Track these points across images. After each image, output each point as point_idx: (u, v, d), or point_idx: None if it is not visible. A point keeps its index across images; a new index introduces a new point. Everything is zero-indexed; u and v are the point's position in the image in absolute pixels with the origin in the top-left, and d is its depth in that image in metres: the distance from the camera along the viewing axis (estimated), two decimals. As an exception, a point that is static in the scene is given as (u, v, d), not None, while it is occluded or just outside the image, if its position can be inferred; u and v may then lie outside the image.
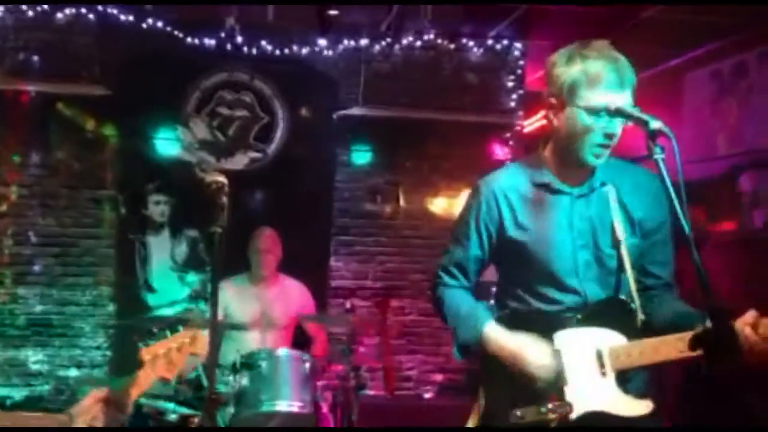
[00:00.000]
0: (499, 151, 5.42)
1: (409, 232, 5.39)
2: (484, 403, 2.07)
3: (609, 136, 1.94)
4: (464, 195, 5.31)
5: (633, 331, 1.95)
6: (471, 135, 5.41)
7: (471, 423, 2.12)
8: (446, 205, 5.41)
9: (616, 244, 2.02)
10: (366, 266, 5.34)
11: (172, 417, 3.28)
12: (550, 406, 1.92)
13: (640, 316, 1.97)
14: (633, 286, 1.99)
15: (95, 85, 4.99)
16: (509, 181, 2.14)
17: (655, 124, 1.73)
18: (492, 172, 2.21)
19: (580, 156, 2.00)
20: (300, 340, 4.36)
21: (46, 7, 4.92)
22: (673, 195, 1.66)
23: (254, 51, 5.14)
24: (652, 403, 1.91)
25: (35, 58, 4.98)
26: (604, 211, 2.04)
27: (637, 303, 1.98)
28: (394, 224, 5.38)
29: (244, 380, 3.26)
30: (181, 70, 5.13)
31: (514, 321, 2.07)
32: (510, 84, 5.47)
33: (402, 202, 5.39)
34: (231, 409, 3.23)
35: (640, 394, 1.93)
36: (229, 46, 5.10)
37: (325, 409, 3.75)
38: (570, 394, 1.93)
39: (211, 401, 2.17)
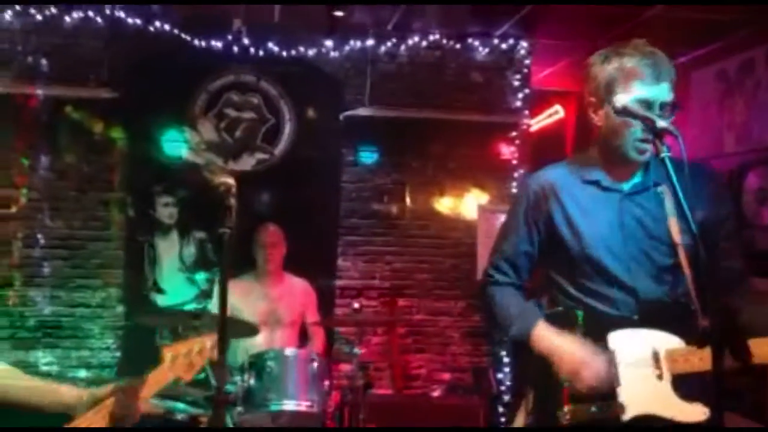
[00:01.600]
0: (506, 151, 5.42)
1: (416, 231, 5.39)
2: (532, 400, 2.06)
3: (647, 130, 1.90)
4: (471, 194, 5.39)
5: (693, 334, 1.89)
6: (477, 134, 5.41)
7: (518, 421, 2.11)
8: (453, 204, 5.41)
9: (672, 243, 1.98)
10: (373, 266, 5.35)
11: (181, 417, 3.29)
12: (601, 406, 1.89)
13: (703, 321, 1.89)
14: (691, 287, 1.93)
15: (103, 88, 5.01)
16: (558, 178, 2.13)
17: (662, 123, 1.73)
18: (541, 169, 2.21)
19: (623, 152, 2.00)
20: (300, 336, 4.39)
21: (54, 10, 4.95)
22: (681, 194, 1.66)
23: (261, 52, 5.15)
24: (708, 410, 1.85)
25: (44, 61, 5.00)
26: (657, 209, 2.02)
27: (697, 305, 1.92)
28: (400, 224, 5.39)
29: (252, 380, 3.27)
30: (188, 72, 5.16)
31: (567, 320, 2.03)
32: (516, 83, 5.46)
33: (408, 201, 5.40)
34: (239, 409, 3.25)
35: (697, 399, 1.88)
36: (235, 48, 5.12)
37: (332, 408, 3.76)
38: (623, 395, 1.90)
39: (220, 401, 2.17)
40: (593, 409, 1.89)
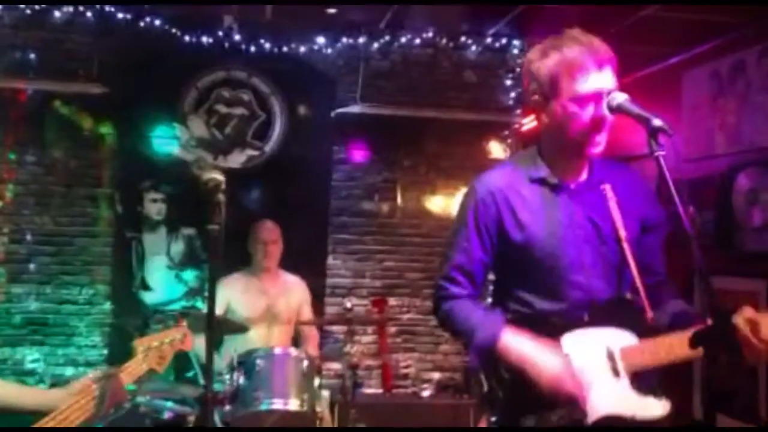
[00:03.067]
0: (497, 150, 5.41)
1: (407, 230, 5.38)
2: (494, 412, 1.98)
3: (600, 120, 1.90)
4: (462, 193, 5.35)
5: (643, 330, 1.91)
6: (469, 133, 5.40)
7: (481, 425, 2.05)
8: (444, 203, 5.40)
9: (617, 240, 1.98)
10: (364, 264, 5.33)
11: (168, 415, 3.27)
12: (562, 413, 1.85)
13: (650, 314, 1.91)
14: (639, 283, 1.94)
15: (92, 84, 4.95)
16: (505, 179, 2.07)
17: (657, 122, 1.72)
18: (486, 171, 2.15)
19: (574, 147, 1.97)
20: (294, 337, 4.36)
21: (43, 5, 4.89)
22: (674, 193, 1.65)
23: (252, 49, 5.12)
24: (668, 403, 1.86)
25: (32, 56, 4.95)
26: (603, 207, 2.01)
27: (644, 300, 1.92)
28: (391, 222, 5.37)
29: (242, 379, 3.25)
30: (178, 68, 5.11)
31: (518, 325, 1.97)
32: (508, 82, 5.46)
33: (400, 200, 5.38)
34: (228, 408, 3.22)
35: (656, 395, 1.88)
36: (226, 44, 5.08)
37: (322, 407, 3.74)
38: (581, 399, 1.86)
39: (208, 399, 2.15)
40: (555, 417, 1.85)
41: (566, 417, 1.85)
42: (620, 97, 1.86)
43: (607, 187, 2.02)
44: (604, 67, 1.90)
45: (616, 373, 1.89)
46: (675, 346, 1.83)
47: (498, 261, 2.10)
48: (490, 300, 2.21)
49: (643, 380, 1.89)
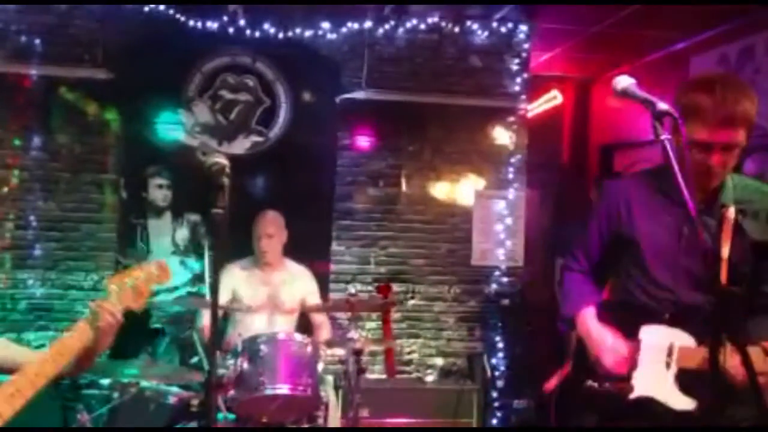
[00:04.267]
0: (503, 136, 5.38)
1: (412, 216, 5.36)
2: (570, 368, 2.38)
3: (707, 168, 2.07)
4: (467, 179, 5.35)
5: (706, 339, 2.06)
6: (474, 119, 5.37)
7: (551, 382, 2.44)
8: (449, 189, 5.38)
9: (719, 258, 2.09)
10: (368, 251, 5.32)
11: (173, 400, 3.28)
12: (615, 382, 2.20)
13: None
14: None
15: (98, 69, 4.95)
16: (634, 184, 2.36)
17: (662, 106, 1.71)
18: (622, 176, 2.40)
19: (693, 179, 2.03)
20: (304, 326, 4.34)
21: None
22: (679, 176, 1.63)
23: (257, 34, 5.09)
24: (694, 403, 2.08)
25: (37, 41, 4.94)
26: (717, 228, 2.14)
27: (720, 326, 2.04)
28: (396, 209, 5.36)
29: (245, 364, 3.25)
30: (183, 53, 5.10)
31: (613, 310, 2.34)
32: (515, 68, 5.41)
33: (404, 186, 5.36)
34: (231, 392, 3.23)
35: (690, 393, 2.09)
36: (231, 29, 5.06)
37: (326, 392, 3.75)
38: (636, 377, 2.17)
39: (211, 384, 2.15)
40: (607, 384, 2.22)
41: (618, 385, 2.19)
42: (626, 82, 1.85)
43: (731, 209, 2.14)
44: (726, 123, 2.03)
45: (668, 365, 2.15)
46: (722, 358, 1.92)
47: (611, 248, 2.39)
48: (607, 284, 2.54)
49: (688, 378, 2.11)
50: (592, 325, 2.32)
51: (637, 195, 2.32)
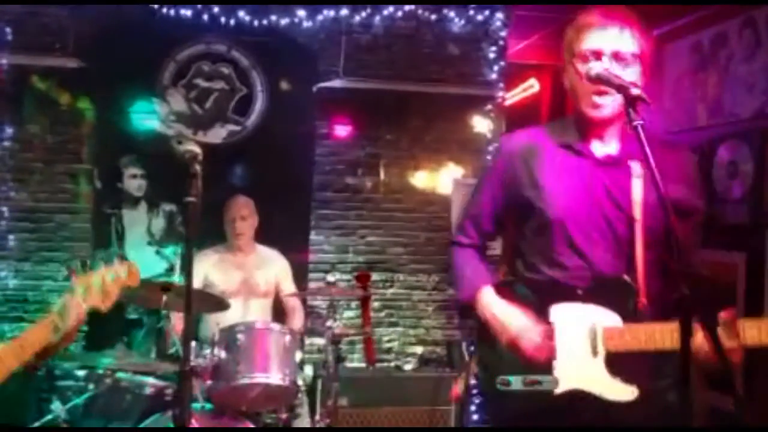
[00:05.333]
0: (481, 124, 5.38)
1: (391, 205, 5.35)
2: (475, 366, 2.12)
3: (596, 81, 1.86)
4: (446, 168, 5.35)
5: (631, 314, 1.91)
6: (452, 107, 5.36)
7: (459, 384, 2.18)
8: (428, 178, 5.37)
9: (631, 220, 1.95)
10: (347, 240, 5.31)
11: (149, 390, 3.25)
12: (536, 377, 1.92)
13: (643, 300, 1.91)
14: (640, 266, 1.92)
15: (69, 58, 4.86)
16: (531, 139, 2.10)
17: (635, 91, 1.70)
18: (517, 131, 2.19)
19: (584, 110, 1.97)
20: (277, 311, 4.34)
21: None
22: (652, 163, 1.62)
23: (232, 21, 5.03)
24: (637, 390, 1.87)
25: (7, 29, 4.84)
26: (625, 183, 1.97)
27: (641, 285, 1.91)
28: (375, 198, 5.35)
29: (222, 353, 3.23)
30: (156, 41, 5.02)
31: (515, 288, 2.07)
32: (492, 55, 5.40)
33: (383, 175, 5.35)
34: (209, 382, 3.21)
35: (626, 379, 1.88)
36: (205, 17, 4.99)
37: (303, 381, 3.75)
38: (558, 369, 1.92)
39: (186, 373, 2.13)
40: (529, 379, 1.92)
41: (539, 381, 1.91)
42: (599, 67, 1.85)
43: (637, 164, 1.96)
44: (609, 25, 1.91)
45: (594, 350, 1.91)
46: (657, 335, 1.83)
47: (509, 218, 2.14)
48: (499, 256, 2.30)
49: (619, 362, 1.89)
50: (496, 306, 2.03)
51: (539, 151, 2.06)
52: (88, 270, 1.98)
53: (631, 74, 1.90)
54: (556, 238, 2.00)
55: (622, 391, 1.88)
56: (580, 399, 1.90)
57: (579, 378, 1.91)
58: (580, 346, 1.92)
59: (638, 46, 1.95)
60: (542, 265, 2.03)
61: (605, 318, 1.92)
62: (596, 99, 1.93)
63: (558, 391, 1.91)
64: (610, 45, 1.91)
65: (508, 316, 1.99)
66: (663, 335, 1.81)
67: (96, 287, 1.94)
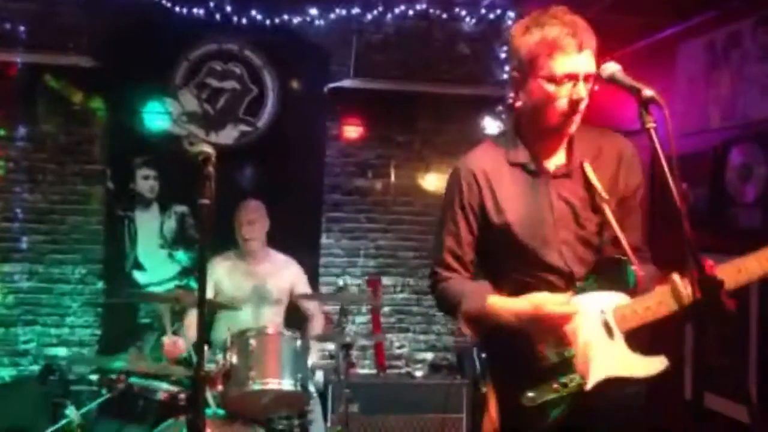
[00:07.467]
0: (492, 125, 5.35)
1: (401, 208, 5.33)
2: (495, 389, 2.02)
3: (576, 103, 1.92)
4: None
5: (634, 287, 1.92)
6: (463, 108, 5.33)
7: (490, 411, 2.04)
8: (438, 180, 5.34)
9: (601, 221, 1.99)
10: (357, 243, 5.29)
11: (162, 395, 3.26)
12: (563, 381, 1.85)
13: (640, 272, 1.91)
14: (625, 243, 1.94)
15: (83, 57, 4.86)
16: (487, 160, 2.08)
17: (648, 93, 1.69)
18: (469, 152, 2.17)
19: (549, 127, 1.97)
20: (296, 318, 4.32)
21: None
22: (666, 167, 1.62)
23: (244, 21, 5.03)
24: (666, 360, 1.87)
25: (22, 28, 4.85)
26: (582, 188, 2.02)
27: (629, 255, 1.92)
28: (385, 200, 5.32)
29: (234, 358, 3.23)
30: (169, 40, 5.02)
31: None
32: (503, 55, 5.37)
33: (393, 177, 5.33)
34: (220, 388, 3.21)
35: (651, 352, 1.88)
36: (218, 16, 4.99)
37: (315, 387, 3.74)
38: (579, 364, 1.87)
39: (199, 379, 2.13)
40: (556, 385, 1.86)
41: (566, 384, 1.85)
42: (612, 68, 1.84)
43: (587, 165, 2.01)
44: (583, 49, 1.90)
45: (610, 334, 1.89)
46: (664, 300, 1.84)
47: (481, 241, 2.10)
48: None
49: (639, 338, 1.89)
50: (509, 302, 1.93)
51: (496, 174, 2.05)
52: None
53: (586, 90, 1.93)
54: (527, 257, 2.00)
55: (653, 365, 1.88)
56: (616, 387, 1.87)
57: (605, 366, 1.86)
58: (597, 335, 1.89)
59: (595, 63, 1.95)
60: (525, 282, 2.00)
61: (610, 299, 1.92)
62: (573, 118, 1.94)
63: (589, 385, 1.85)
64: (585, 69, 1.92)
65: (524, 300, 1.91)
66: (669, 301, 1.82)
67: None
